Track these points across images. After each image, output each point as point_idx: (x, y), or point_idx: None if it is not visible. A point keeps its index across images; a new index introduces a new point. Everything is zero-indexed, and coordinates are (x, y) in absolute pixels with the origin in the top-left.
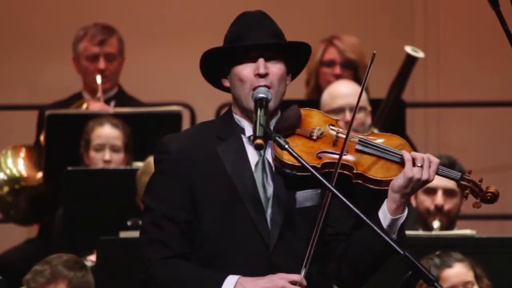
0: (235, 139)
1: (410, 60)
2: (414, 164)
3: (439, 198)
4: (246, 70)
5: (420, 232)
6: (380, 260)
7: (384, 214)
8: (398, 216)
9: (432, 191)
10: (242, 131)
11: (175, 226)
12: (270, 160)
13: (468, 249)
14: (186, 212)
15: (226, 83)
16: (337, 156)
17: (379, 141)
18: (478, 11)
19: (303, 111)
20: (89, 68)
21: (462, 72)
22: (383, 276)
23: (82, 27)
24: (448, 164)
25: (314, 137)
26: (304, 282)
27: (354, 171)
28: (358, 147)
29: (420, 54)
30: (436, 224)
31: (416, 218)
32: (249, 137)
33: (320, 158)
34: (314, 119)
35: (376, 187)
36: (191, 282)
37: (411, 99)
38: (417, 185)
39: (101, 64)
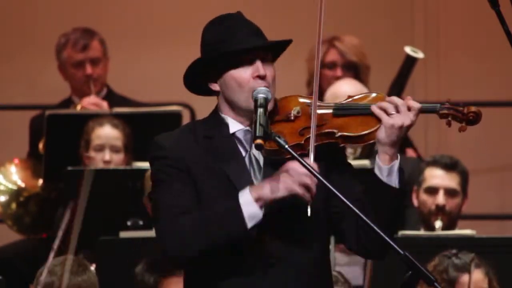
0: (222, 137)
1: (410, 61)
2: (387, 114)
3: (441, 198)
4: (244, 73)
5: (420, 232)
6: (390, 212)
7: (379, 167)
8: (392, 164)
9: (433, 191)
10: (228, 127)
11: (187, 194)
12: (256, 154)
13: (468, 249)
14: (193, 191)
15: (216, 87)
16: (318, 128)
17: (357, 102)
18: (478, 11)
19: (281, 100)
20: (76, 75)
21: (462, 72)
22: (383, 276)
23: (63, 34)
24: (450, 164)
25: (292, 118)
26: (315, 166)
27: (336, 136)
28: (334, 112)
29: (419, 55)
30: (438, 224)
31: (418, 218)
32: (233, 134)
33: (302, 134)
34: (291, 103)
35: (362, 143)
36: (212, 217)
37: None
38: (401, 131)
39: (88, 69)
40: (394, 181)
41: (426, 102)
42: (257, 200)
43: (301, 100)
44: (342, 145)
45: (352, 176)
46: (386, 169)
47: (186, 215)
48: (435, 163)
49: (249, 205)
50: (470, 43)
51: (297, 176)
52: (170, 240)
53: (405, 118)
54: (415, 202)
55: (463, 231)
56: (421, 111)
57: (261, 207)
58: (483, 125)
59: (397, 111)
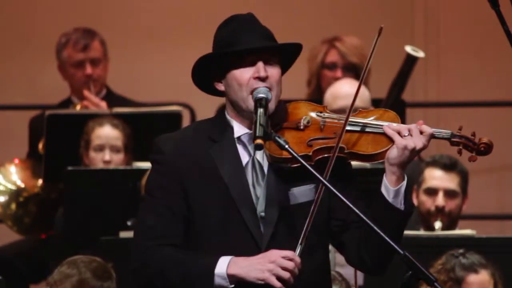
0: (226, 140)
1: (410, 60)
2: (401, 135)
3: (440, 199)
4: (245, 74)
5: (420, 232)
6: (395, 233)
7: (386, 188)
8: (399, 186)
9: (433, 192)
10: (233, 131)
11: (172, 215)
12: (260, 159)
13: (468, 249)
14: (182, 207)
15: (220, 87)
16: (327, 140)
17: (369, 118)
18: (478, 11)
19: (290, 104)
20: (76, 75)
21: (462, 72)
22: (383, 276)
23: (63, 33)
24: (449, 164)
25: (301, 127)
26: (297, 259)
27: (346, 151)
28: (346, 127)
29: (420, 54)
30: (437, 224)
31: (418, 218)
32: (237, 138)
33: (310, 146)
34: (301, 110)
35: (371, 162)
36: (184, 269)
37: (411, 99)
38: (413, 154)
39: (88, 70)
40: (400, 203)
41: (426, 102)
42: (230, 276)
43: (311, 107)
44: (350, 161)
45: (356, 190)
46: (393, 191)
47: (163, 249)
48: (434, 163)
49: (221, 278)
50: (470, 43)
51: (275, 267)
52: (137, 264)
53: (417, 141)
54: (415, 202)
55: (463, 231)
56: (433, 136)
57: (231, 282)
58: (483, 125)
59: (410, 134)
